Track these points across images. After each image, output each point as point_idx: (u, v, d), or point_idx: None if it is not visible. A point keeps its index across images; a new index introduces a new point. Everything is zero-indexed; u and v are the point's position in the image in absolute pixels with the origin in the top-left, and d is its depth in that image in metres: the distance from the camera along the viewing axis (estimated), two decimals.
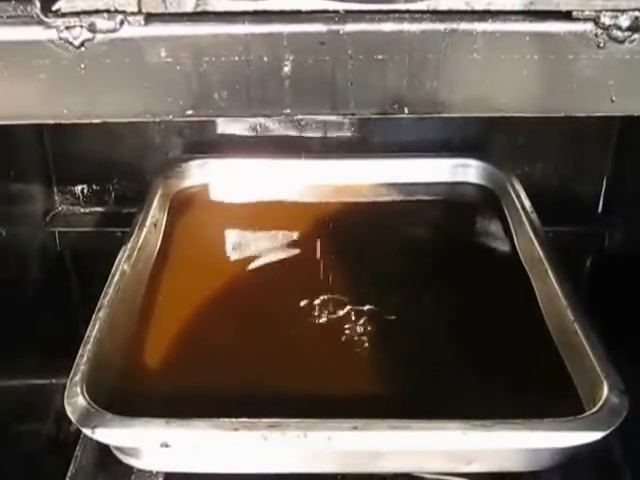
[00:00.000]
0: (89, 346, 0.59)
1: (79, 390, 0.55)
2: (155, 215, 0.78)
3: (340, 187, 0.85)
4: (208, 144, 0.90)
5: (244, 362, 0.62)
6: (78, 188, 0.94)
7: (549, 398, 0.58)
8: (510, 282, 0.72)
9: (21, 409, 0.77)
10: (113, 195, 0.94)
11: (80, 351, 0.59)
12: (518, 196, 0.80)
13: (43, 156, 0.91)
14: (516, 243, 0.76)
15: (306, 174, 0.86)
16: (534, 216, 0.76)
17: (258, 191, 0.85)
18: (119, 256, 0.69)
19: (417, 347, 0.64)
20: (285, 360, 0.63)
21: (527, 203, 0.78)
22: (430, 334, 0.65)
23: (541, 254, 0.70)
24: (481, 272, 0.73)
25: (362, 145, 0.90)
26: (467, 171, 0.87)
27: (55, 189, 0.93)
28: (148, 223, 0.75)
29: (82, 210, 0.94)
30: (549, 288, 0.67)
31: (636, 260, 0.81)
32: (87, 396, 0.55)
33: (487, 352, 0.63)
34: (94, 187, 0.94)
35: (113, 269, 0.68)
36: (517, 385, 0.60)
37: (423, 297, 0.70)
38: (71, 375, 0.57)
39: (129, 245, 0.71)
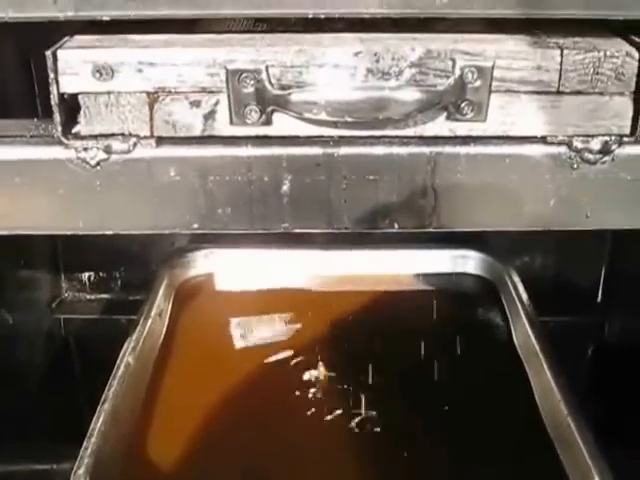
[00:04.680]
0: (93, 439, 0.59)
1: None
2: (160, 305, 0.78)
3: (342, 277, 0.86)
4: (213, 234, 0.91)
5: (249, 458, 0.62)
6: (85, 275, 0.95)
7: None
8: (507, 375, 0.72)
9: None
10: (119, 282, 0.95)
11: (84, 443, 0.59)
12: (515, 288, 0.80)
13: (52, 244, 0.93)
14: (513, 335, 0.77)
15: (310, 264, 0.88)
16: (531, 309, 0.76)
17: (263, 281, 0.85)
18: (124, 348, 0.70)
19: (413, 442, 0.64)
20: (292, 458, 0.62)
21: (524, 295, 0.78)
22: (426, 426, 0.66)
23: (537, 347, 0.71)
24: (478, 364, 0.74)
25: (363, 236, 0.91)
26: (466, 262, 0.88)
27: (62, 276, 0.95)
28: (153, 314, 0.76)
29: (88, 297, 0.95)
30: (544, 381, 0.67)
31: (636, 349, 0.82)
32: None
33: (481, 443, 0.64)
34: (101, 274, 0.95)
35: (118, 361, 0.68)
36: (510, 477, 0.61)
37: (419, 389, 0.70)
38: (75, 468, 0.57)
39: (134, 337, 0.71)
